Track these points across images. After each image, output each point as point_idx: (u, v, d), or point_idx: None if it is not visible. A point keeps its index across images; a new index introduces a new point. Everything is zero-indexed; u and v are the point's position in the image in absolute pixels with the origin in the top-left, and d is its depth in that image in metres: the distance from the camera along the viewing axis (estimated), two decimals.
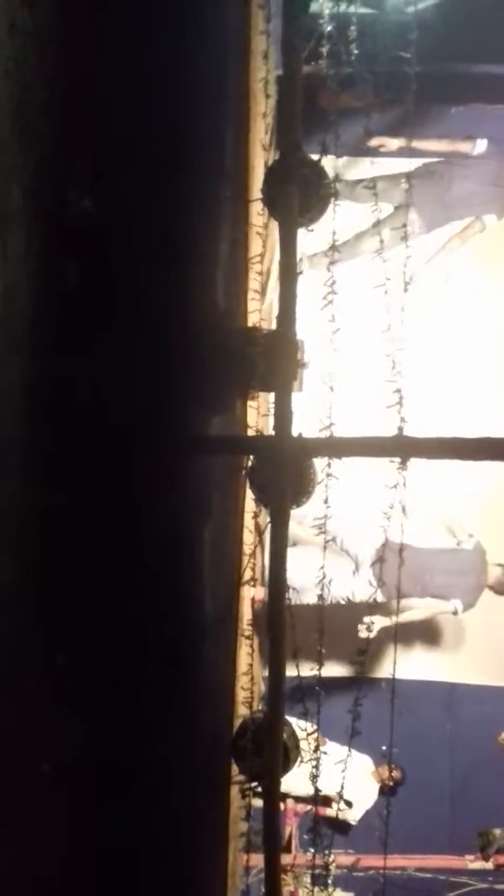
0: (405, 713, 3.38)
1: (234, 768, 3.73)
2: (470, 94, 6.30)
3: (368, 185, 3.31)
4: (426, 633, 6.43)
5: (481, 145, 5.77)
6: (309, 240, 3.16)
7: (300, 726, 3.48)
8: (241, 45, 3.88)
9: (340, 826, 5.71)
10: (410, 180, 4.88)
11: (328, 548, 3.10)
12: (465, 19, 5.66)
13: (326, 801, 4.58)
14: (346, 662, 4.01)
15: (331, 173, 3.17)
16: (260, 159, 3.99)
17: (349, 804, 5.59)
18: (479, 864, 6.28)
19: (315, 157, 3.16)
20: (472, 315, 6.67)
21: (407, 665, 3.50)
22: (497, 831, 6.26)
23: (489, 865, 6.27)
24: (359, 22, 3.57)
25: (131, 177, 2.39)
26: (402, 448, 3.03)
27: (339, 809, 3.70)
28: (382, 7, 5.97)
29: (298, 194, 2.91)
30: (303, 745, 3.56)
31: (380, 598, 4.11)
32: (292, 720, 3.55)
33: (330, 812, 4.58)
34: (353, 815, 5.93)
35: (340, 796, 3.42)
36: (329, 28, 3.53)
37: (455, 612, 5.72)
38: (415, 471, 2.95)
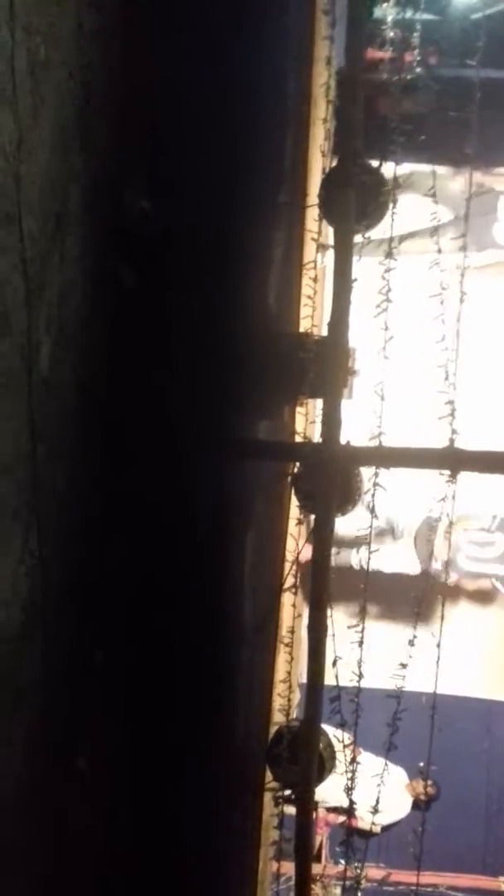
0: (443, 729, 3.32)
1: (269, 775, 3.71)
2: None
3: (429, 193, 3.26)
4: (474, 596, 6.49)
5: None
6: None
7: (336, 736, 3.45)
8: (303, 49, 3.87)
9: (366, 832, 5.66)
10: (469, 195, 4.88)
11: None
12: None
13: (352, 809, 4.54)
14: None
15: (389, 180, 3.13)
16: (318, 164, 3.97)
17: (376, 811, 5.54)
18: None
19: (374, 163, 3.13)
20: None
21: (447, 680, 3.44)
22: None
23: None
24: (422, 28, 3.53)
25: (189, 179, 2.39)
26: (453, 460, 2.98)
27: (372, 824, 3.65)
28: (447, 13, 5.91)
29: (356, 200, 2.88)
30: (338, 755, 3.52)
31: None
32: (329, 729, 3.52)
33: (362, 824, 4.52)
34: (379, 822, 5.85)
35: (375, 809, 3.37)
36: (392, 34, 3.50)
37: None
38: None
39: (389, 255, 2.97)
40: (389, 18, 3.85)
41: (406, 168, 3.15)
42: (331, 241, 3.21)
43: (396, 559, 5.77)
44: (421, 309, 3.04)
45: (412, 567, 5.80)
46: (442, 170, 3.54)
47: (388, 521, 5.87)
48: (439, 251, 3.06)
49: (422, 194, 3.84)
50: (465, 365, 3.22)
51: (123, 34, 1.87)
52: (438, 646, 3.16)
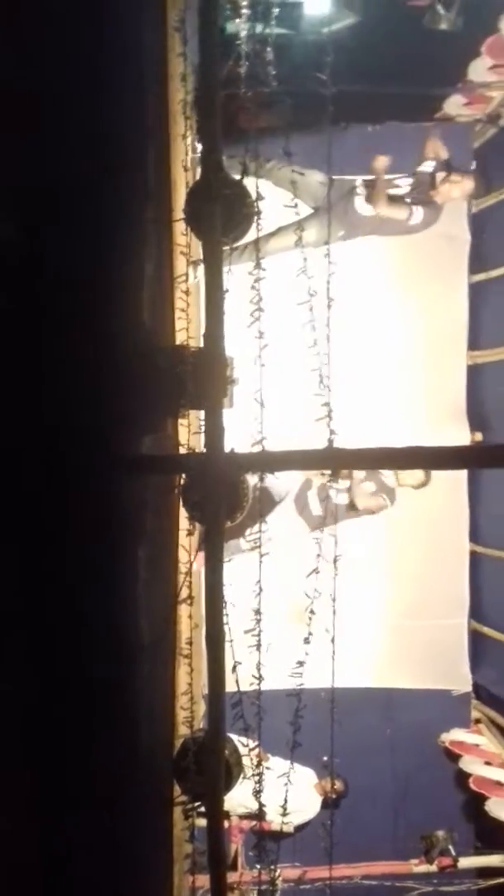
0: (344, 722, 3.41)
1: (177, 789, 3.70)
2: (385, 113, 6.48)
3: (296, 171, 3.35)
4: None
5: (418, 215, 5.84)
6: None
7: (241, 742, 3.48)
8: (158, 67, 3.91)
9: (278, 834, 5.71)
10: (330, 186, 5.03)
11: None
12: (380, 41, 5.81)
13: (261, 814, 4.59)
14: None
15: (252, 192, 3.20)
16: (182, 179, 4.01)
17: (285, 812, 5.59)
18: (423, 868, 6.35)
19: (237, 176, 3.19)
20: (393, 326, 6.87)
21: (345, 674, 3.53)
22: (440, 833, 6.33)
23: (433, 868, 6.34)
24: (275, 42, 3.63)
25: (54, 200, 2.38)
26: (332, 460, 3.07)
27: (283, 824, 3.70)
28: (298, 27, 6.08)
29: (221, 214, 2.93)
30: (245, 761, 3.55)
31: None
32: (234, 737, 3.54)
33: (274, 827, 4.57)
34: (290, 823, 5.91)
35: (285, 811, 3.42)
36: (246, 49, 3.58)
37: None
38: None
39: (258, 265, 3.04)
40: (242, 33, 3.93)
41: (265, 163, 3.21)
42: (200, 254, 3.25)
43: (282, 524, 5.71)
44: (292, 313, 3.13)
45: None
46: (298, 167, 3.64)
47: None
48: (302, 247, 3.13)
49: (279, 187, 3.93)
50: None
51: None
52: (333, 640, 3.24)
